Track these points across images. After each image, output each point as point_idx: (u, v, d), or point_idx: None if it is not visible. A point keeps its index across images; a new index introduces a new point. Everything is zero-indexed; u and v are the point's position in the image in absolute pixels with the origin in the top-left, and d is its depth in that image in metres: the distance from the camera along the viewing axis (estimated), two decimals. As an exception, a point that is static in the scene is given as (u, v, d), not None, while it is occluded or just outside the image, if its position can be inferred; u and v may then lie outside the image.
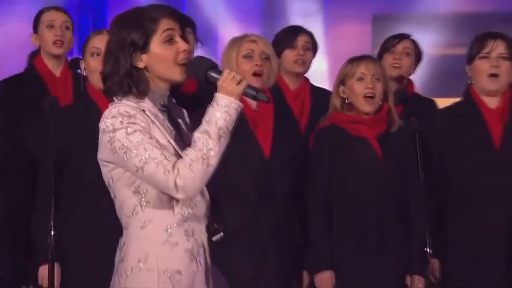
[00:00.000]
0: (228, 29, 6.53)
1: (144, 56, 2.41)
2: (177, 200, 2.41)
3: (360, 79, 3.54)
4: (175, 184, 2.33)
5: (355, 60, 3.59)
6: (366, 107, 3.53)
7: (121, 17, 2.47)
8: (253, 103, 3.48)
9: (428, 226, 3.38)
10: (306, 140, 3.66)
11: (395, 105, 3.64)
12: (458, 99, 3.74)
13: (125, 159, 2.35)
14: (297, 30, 4.16)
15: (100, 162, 2.45)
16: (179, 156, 2.37)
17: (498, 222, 3.47)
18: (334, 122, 3.58)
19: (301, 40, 4.09)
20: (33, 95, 3.75)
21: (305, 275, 3.56)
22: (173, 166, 2.33)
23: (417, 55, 4.27)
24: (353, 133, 3.55)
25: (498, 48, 3.51)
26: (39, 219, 3.32)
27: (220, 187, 3.27)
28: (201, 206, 2.49)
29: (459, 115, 3.61)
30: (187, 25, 3.94)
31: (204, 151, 2.34)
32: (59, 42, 3.99)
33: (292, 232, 3.48)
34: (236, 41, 3.55)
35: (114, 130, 2.36)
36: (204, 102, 2.47)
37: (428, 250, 3.36)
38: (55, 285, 3.35)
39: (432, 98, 4.40)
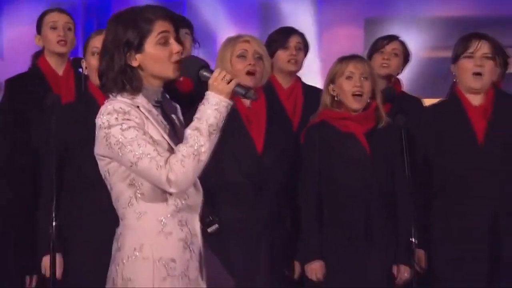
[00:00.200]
0: (226, 31, 6.50)
1: (138, 56, 2.40)
2: (171, 193, 2.39)
3: (349, 77, 3.53)
4: (168, 179, 2.33)
5: (344, 59, 3.59)
6: (354, 104, 3.52)
7: (118, 16, 2.46)
8: (246, 101, 3.48)
9: (413, 219, 3.37)
10: (298, 137, 3.65)
11: (383, 103, 3.63)
12: (444, 100, 3.74)
13: (120, 154, 2.35)
14: (290, 31, 4.15)
15: (97, 157, 2.45)
16: (172, 151, 2.36)
17: (481, 217, 3.45)
18: (324, 118, 3.58)
19: (293, 41, 4.08)
20: (36, 93, 3.75)
21: (297, 265, 3.55)
22: (166, 162, 2.33)
23: (405, 56, 4.26)
24: (342, 129, 3.54)
25: (482, 48, 3.50)
26: (42, 211, 3.32)
27: (215, 181, 3.29)
28: (194, 197, 2.48)
29: (444, 112, 3.60)
30: (185, 26, 3.95)
31: (195, 147, 2.34)
32: (63, 42, 3.98)
33: (283, 225, 3.48)
34: (231, 41, 3.54)
35: (110, 126, 2.35)
36: (200, 101, 2.45)
37: (413, 240, 3.35)
38: (57, 275, 3.34)
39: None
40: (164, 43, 2.41)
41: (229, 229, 3.30)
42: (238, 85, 2.39)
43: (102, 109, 2.39)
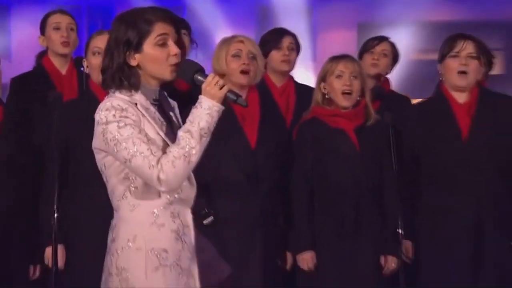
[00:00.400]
0: (224, 34, 6.47)
1: (137, 55, 2.38)
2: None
3: (339, 76, 3.51)
4: (158, 178, 2.31)
5: (335, 59, 3.57)
6: (344, 102, 3.51)
7: (122, 15, 2.44)
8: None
9: (400, 211, 3.35)
10: (291, 133, 3.62)
11: (372, 101, 3.61)
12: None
13: (115, 151, 2.33)
14: (282, 32, 4.12)
15: (94, 150, 2.43)
16: (166, 147, 2.34)
17: (466, 211, 3.42)
18: (315, 115, 3.56)
19: (286, 41, 4.04)
20: (41, 92, 3.70)
21: (289, 256, 3.53)
22: (158, 162, 2.30)
23: (394, 56, 4.23)
24: (332, 125, 3.52)
25: (467, 48, 3.48)
26: (44, 204, 3.29)
27: (211, 175, 3.28)
28: (187, 191, 2.45)
29: (431, 109, 3.57)
30: (183, 27, 3.94)
31: (186, 149, 2.32)
32: (66, 43, 3.95)
33: (276, 216, 3.45)
34: (226, 41, 3.53)
35: (107, 123, 2.33)
36: (196, 100, 2.42)
37: (400, 231, 3.33)
38: (59, 265, 3.31)
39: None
40: (163, 44, 2.38)
41: (223, 221, 3.28)
42: (230, 91, 2.37)
43: (101, 105, 2.37)
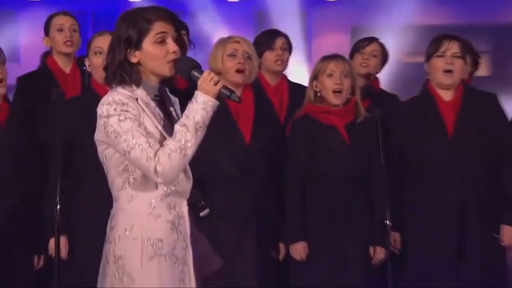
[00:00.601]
0: (223, 38, 6.46)
1: (137, 53, 2.37)
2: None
3: (330, 75, 3.50)
4: (155, 170, 2.30)
5: (326, 58, 3.56)
6: (335, 100, 3.50)
7: (124, 15, 2.44)
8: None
9: (388, 203, 3.35)
10: (285, 129, 3.61)
11: (362, 99, 3.60)
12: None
13: (116, 143, 2.33)
14: (275, 33, 4.11)
15: (96, 142, 2.43)
16: (164, 140, 2.34)
17: (450, 204, 3.42)
18: (308, 112, 3.55)
19: (279, 42, 4.03)
20: (45, 90, 3.70)
21: (282, 246, 3.52)
22: (155, 154, 2.30)
23: (384, 57, 4.21)
24: (324, 122, 3.51)
25: (452, 48, 3.48)
26: (48, 197, 3.28)
27: (207, 169, 3.27)
28: (184, 183, 2.44)
29: (418, 106, 3.57)
30: (182, 28, 3.94)
31: (182, 142, 2.31)
32: (69, 42, 3.95)
33: (269, 209, 3.45)
34: (222, 42, 3.52)
35: (108, 116, 2.33)
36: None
37: (388, 223, 3.33)
38: (63, 255, 3.32)
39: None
40: (161, 42, 2.37)
41: (219, 213, 3.27)
42: (224, 87, 2.37)
43: (103, 99, 2.37)
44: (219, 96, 2.36)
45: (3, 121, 3.33)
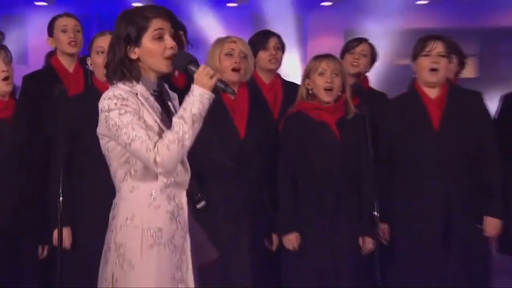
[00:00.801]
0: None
1: (137, 49, 2.39)
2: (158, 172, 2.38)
3: (321, 73, 3.51)
4: (155, 161, 2.32)
5: (318, 58, 3.57)
6: (326, 97, 3.51)
7: (122, 14, 2.45)
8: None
9: (376, 196, 3.36)
10: (278, 125, 3.61)
11: (352, 96, 3.61)
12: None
13: (116, 136, 2.34)
14: (268, 34, 4.11)
15: (99, 136, 2.44)
16: (163, 133, 2.35)
17: (435, 197, 3.42)
18: (300, 109, 3.56)
19: (272, 42, 4.04)
20: (50, 88, 3.71)
21: (275, 237, 3.53)
22: (154, 145, 2.32)
23: (373, 56, 4.21)
24: (316, 118, 3.51)
25: (437, 47, 3.48)
26: (52, 189, 3.29)
27: (204, 162, 3.29)
28: (182, 175, 2.46)
29: (405, 103, 3.58)
30: (179, 28, 3.94)
31: (180, 134, 2.32)
32: (73, 43, 3.96)
33: (263, 201, 3.45)
34: (220, 41, 3.53)
35: (109, 110, 2.34)
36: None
37: (376, 214, 3.34)
38: (67, 245, 3.32)
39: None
40: (159, 38, 2.38)
41: (214, 205, 3.28)
42: (219, 80, 2.38)
43: (104, 94, 2.39)
44: (214, 89, 2.37)
45: (9, 116, 3.34)
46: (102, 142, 2.43)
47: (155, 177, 2.39)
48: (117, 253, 2.38)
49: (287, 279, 3.51)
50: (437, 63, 3.47)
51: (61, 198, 3.18)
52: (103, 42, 3.38)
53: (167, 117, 2.42)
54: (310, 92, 3.55)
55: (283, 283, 3.53)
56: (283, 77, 4.17)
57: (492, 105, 3.88)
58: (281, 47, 4.07)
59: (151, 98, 2.41)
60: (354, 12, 8.97)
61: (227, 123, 3.40)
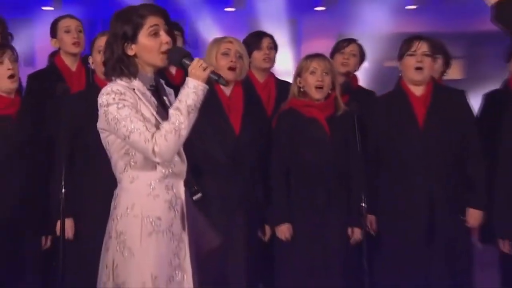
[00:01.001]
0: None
1: (134, 46, 2.41)
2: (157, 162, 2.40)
3: (312, 72, 3.53)
4: (153, 150, 2.33)
5: (309, 57, 3.59)
6: (317, 95, 3.52)
7: (118, 13, 2.47)
8: (227, 92, 3.49)
9: (364, 188, 3.38)
10: (272, 121, 3.63)
11: (341, 94, 3.62)
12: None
13: (116, 129, 2.36)
14: (261, 34, 4.12)
15: (99, 130, 2.46)
16: (159, 126, 2.36)
17: (419, 191, 3.43)
18: (292, 106, 3.57)
19: (265, 42, 4.05)
20: (53, 87, 3.71)
21: (267, 228, 3.55)
22: (152, 136, 2.33)
23: (361, 56, 4.22)
24: (307, 114, 3.53)
25: (422, 47, 3.50)
26: (55, 181, 3.29)
27: (200, 157, 3.30)
28: (179, 165, 2.48)
29: (391, 101, 3.59)
30: (177, 29, 3.97)
31: (176, 124, 2.34)
32: (76, 43, 3.97)
33: (257, 194, 3.46)
34: (216, 41, 3.54)
35: (108, 105, 2.36)
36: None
37: (363, 205, 3.35)
38: (70, 236, 3.34)
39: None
40: (155, 34, 2.41)
41: (210, 197, 3.28)
42: (212, 72, 2.40)
43: (103, 90, 2.41)
44: (208, 81, 2.38)
45: (14, 113, 3.36)
46: (102, 136, 2.45)
47: (154, 168, 2.41)
48: (118, 240, 2.40)
49: (280, 270, 3.52)
50: (422, 62, 3.48)
51: (63, 190, 3.19)
52: (104, 41, 3.38)
53: (163, 110, 2.44)
54: (301, 90, 3.57)
55: (276, 274, 3.54)
56: (278, 77, 4.18)
57: (477, 104, 3.90)
58: (274, 47, 4.09)
59: (148, 93, 2.43)
60: (346, 17, 8.99)
61: (223, 120, 3.41)
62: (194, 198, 3.24)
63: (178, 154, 2.45)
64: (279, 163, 3.49)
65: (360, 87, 4.27)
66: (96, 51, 3.46)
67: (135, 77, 2.41)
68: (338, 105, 3.56)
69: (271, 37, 4.08)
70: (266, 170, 3.49)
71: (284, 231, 3.46)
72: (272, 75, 4.14)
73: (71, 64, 3.99)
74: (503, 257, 3.61)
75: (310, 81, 3.52)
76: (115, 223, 2.42)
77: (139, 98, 2.38)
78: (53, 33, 4.03)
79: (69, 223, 3.34)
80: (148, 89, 2.43)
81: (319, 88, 3.51)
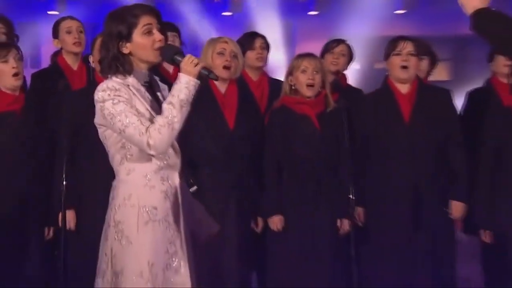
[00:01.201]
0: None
1: (128, 44, 2.42)
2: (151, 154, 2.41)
3: (304, 71, 3.53)
4: (148, 143, 2.35)
5: (300, 56, 3.60)
6: (308, 92, 3.53)
7: (112, 13, 2.48)
8: (222, 89, 3.49)
9: (352, 182, 3.39)
10: (265, 118, 3.63)
11: (331, 92, 3.63)
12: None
13: (111, 123, 2.38)
14: (255, 35, 4.12)
15: (96, 125, 2.48)
16: (153, 119, 2.37)
17: (404, 185, 3.44)
18: (284, 103, 3.58)
19: (258, 42, 4.05)
20: (56, 85, 3.72)
21: (260, 220, 3.55)
22: (146, 130, 2.35)
23: (350, 56, 4.23)
24: (298, 111, 3.54)
25: (407, 47, 3.52)
26: (57, 175, 3.30)
27: (196, 151, 3.31)
28: (173, 157, 2.49)
29: (378, 98, 3.61)
30: (173, 30, 3.97)
31: (170, 118, 2.35)
32: (78, 43, 3.97)
33: (249, 186, 3.47)
34: (213, 41, 3.55)
35: (104, 101, 2.38)
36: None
37: (352, 197, 3.36)
38: (72, 227, 3.35)
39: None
40: (148, 33, 2.42)
41: (206, 190, 3.30)
42: (203, 67, 2.41)
43: (99, 87, 2.42)
44: (200, 76, 2.39)
45: (19, 109, 3.37)
46: (99, 131, 2.47)
47: (149, 160, 2.42)
48: (116, 229, 2.41)
49: (272, 259, 3.52)
50: (407, 61, 3.50)
51: (64, 183, 3.19)
52: (104, 41, 3.39)
53: (157, 105, 2.45)
54: (293, 87, 3.58)
55: (268, 263, 3.54)
56: (275, 76, 4.18)
57: (461, 101, 3.91)
58: (267, 47, 4.09)
59: (142, 89, 2.44)
60: (338, 21, 8.98)
61: (218, 116, 3.42)
62: (190, 190, 3.26)
63: (172, 147, 2.46)
64: (271, 158, 3.49)
65: (349, 85, 4.28)
66: (97, 50, 3.46)
67: (130, 74, 2.42)
68: (328, 102, 3.56)
69: (263, 37, 4.09)
70: (258, 163, 3.49)
71: (276, 222, 3.47)
72: (265, 74, 4.15)
73: (73, 63, 3.99)
74: (485, 248, 3.63)
75: (302, 79, 3.53)
76: (113, 212, 2.43)
77: (134, 94, 2.39)
78: (55, 34, 4.04)
79: (70, 215, 3.35)
80: (143, 85, 2.45)
81: (310, 86, 3.52)
